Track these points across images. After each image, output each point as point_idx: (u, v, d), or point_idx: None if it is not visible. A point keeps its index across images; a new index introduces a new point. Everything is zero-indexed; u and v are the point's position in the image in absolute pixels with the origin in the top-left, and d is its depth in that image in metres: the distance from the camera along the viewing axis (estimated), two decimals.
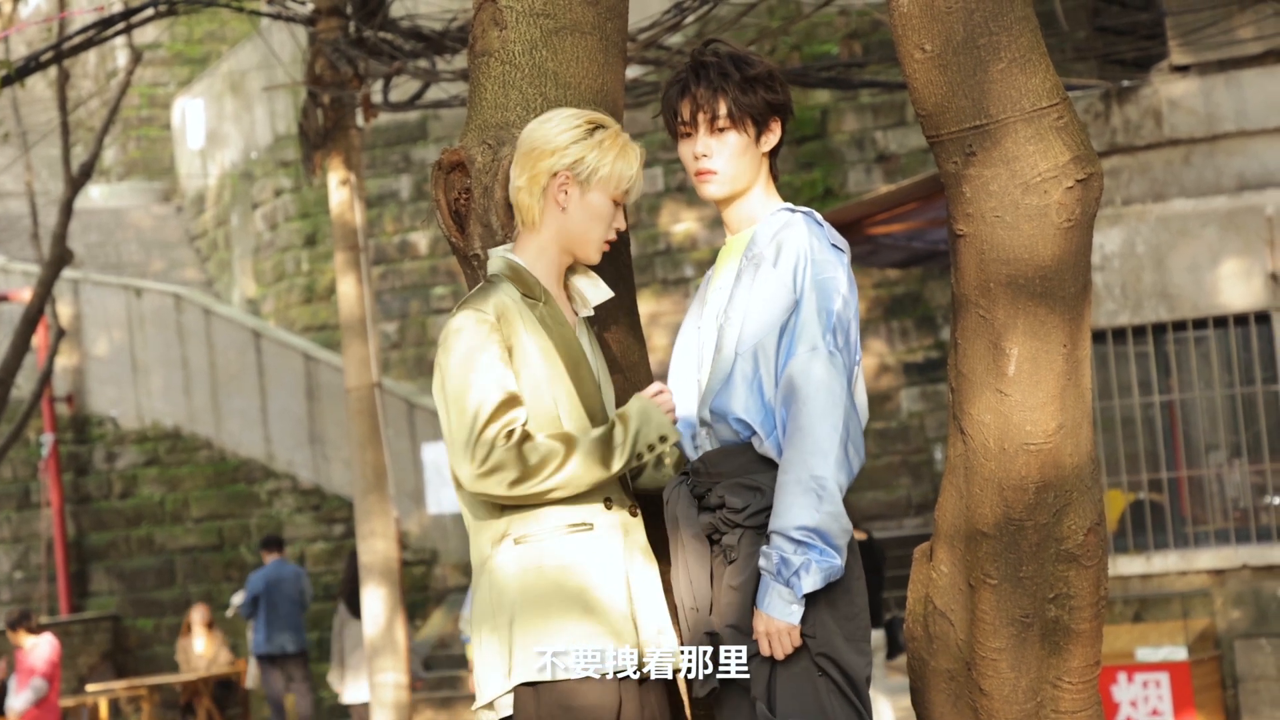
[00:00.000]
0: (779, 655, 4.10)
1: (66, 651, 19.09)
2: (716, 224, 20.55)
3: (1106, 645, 4.49)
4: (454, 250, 4.60)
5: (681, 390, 4.36)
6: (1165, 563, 13.10)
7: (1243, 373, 13.08)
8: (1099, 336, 12.95)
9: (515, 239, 4.33)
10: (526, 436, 4.09)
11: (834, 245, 4.24)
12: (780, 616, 4.08)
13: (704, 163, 4.30)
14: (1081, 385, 4.29)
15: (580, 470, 4.10)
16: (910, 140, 19.75)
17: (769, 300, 4.18)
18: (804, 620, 4.11)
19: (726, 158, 4.29)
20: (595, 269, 4.47)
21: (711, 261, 16.73)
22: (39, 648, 16.37)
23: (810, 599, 4.10)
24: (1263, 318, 12.89)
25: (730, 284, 4.32)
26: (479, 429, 4.08)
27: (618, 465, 4.15)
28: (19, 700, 16.15)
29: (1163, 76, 13.18)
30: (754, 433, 4.19)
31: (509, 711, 4.16)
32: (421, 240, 22.83)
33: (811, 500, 4.04)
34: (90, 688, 19.06)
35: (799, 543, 4.05)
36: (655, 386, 4.27)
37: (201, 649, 18.41)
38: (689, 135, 4.32)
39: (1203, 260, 12.90)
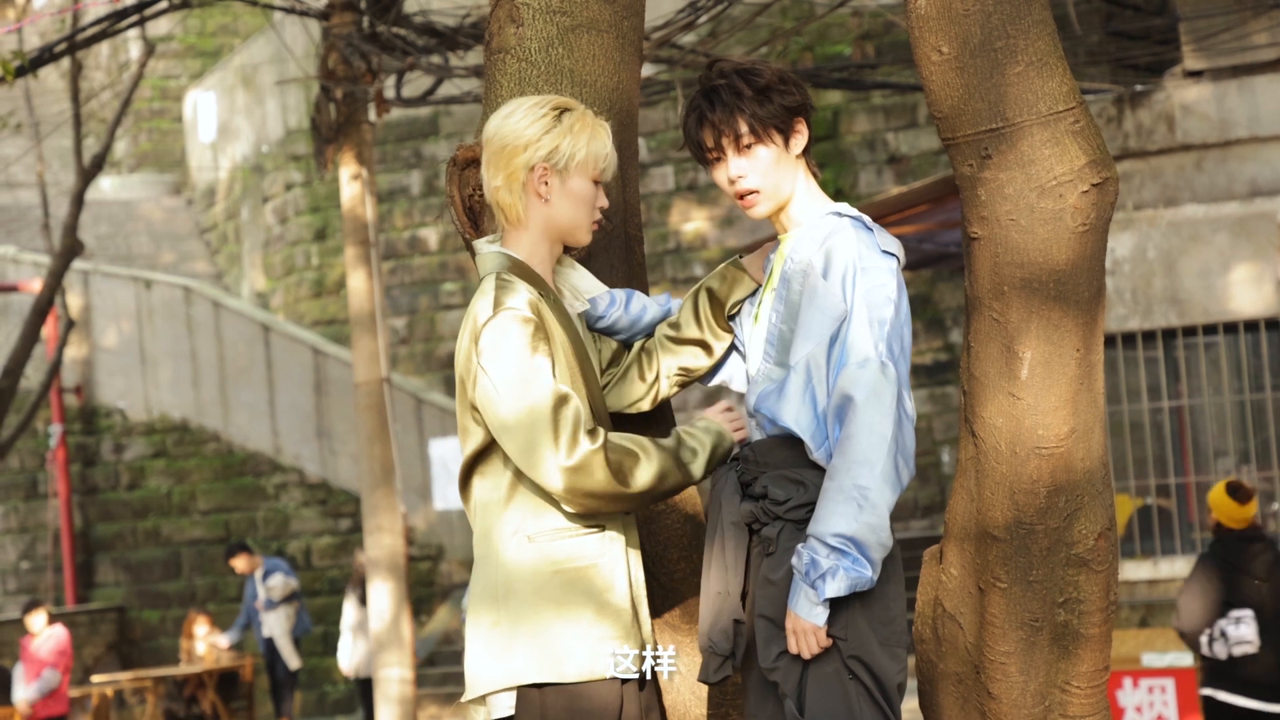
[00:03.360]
0: (805, 654, 4.10)
1: (72, 642, 19.11)
2: (726, 223, 20.55)
3: (1112, 650, 4.48)
4: (467, 246, 4.60)
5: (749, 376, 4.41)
6: (1172, 568, 13.09)
7: (1252, 379, 13.08)
8: (1109, 341, 12.95)
9: (501, 237, 4.30)
10: (606, 439, 4.09)
11: (885, 251, 4.18)
12: (806, 617, 4.08)
13: (741, 184, 4.25)
14: (1094, 390, 4.29)
15: (665, 476, 4.15)
16: (921, 142, 19.74)
17: (821, 311, 4.16)
18: (836, 623, 4.10)
19: (762, 173, 4.24)
20: (604, 267, 4.47)
21: (720, 260, 16.82)
22: (50, 639, 16.41)
23: (843, 602, 4.09)
24: (1273, 324, 12.89)
25: (778, 284, 4.30)
26: (567, 435, 4.05)
27: (698, 477, 4.19)
28: (29, 690, 16.18)
29: (1176, 81, 13.18)
30: (805, 443, 4.20)
31: (505, 713, 4.13)
32: (431, 235, 22.84)
33: (852, 509, 4.03)
34: (95, 679, 19.07)
35: (833, 549, 4.05)
36: (723, 404, 4.31)
37: (203, 651, 18.43)
38: (718, 160, 4.27)
39: (1213, 266, 12.89)
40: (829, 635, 4.10)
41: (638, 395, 4.42)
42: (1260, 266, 12.80)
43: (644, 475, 4.10)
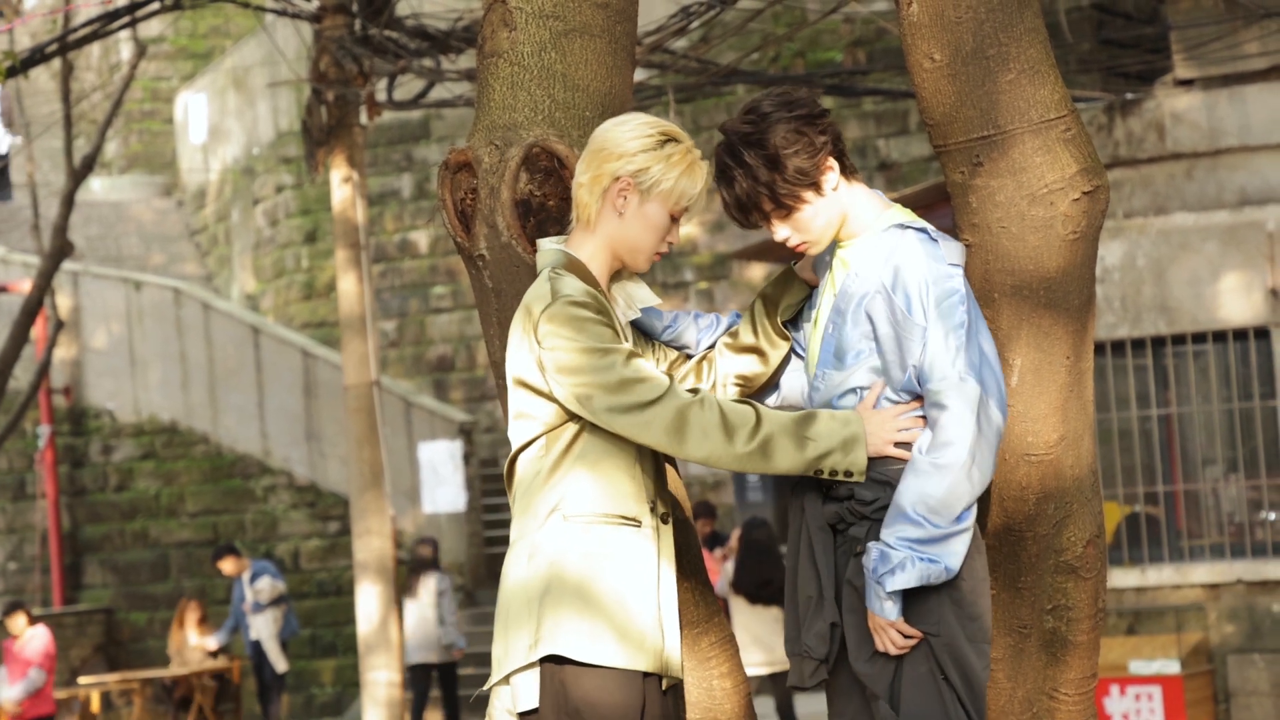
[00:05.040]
0: (891, 650, 4.10)
1: (59, 644, 19.06)
2: (717, 229, 20.54)
3: (1100, 657, 4.49)
4: (459, 250, 4.59)
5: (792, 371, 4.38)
6: (1160, 576, 13.10)
7: (1241, 388, 13.09)
8: (1098, 349, 12.95)
9: (568, 234, 4.30)
10: (713, 397, 4.06)
11: (951, 263, 4.14)
12: (878, 613, 4.08)
13: (791, 242, 4.23)
14: (1084, 397, 4.30)
15: (777, 447, 4.05)
16: (912, 149, 19.76)
17: (905, 335, 4.11)
18: (929, 618, 4.09)
19: (805, 230, 4.21)
20: None
21: (711, 266, 16.75)
22: (34, 639, 16.39)
23: (938, 597, 4.09)
24: (1262, 333, 12.90)
25: (838, 293, 4.24)
26: (660, 393, 4.03)
27: (806, 461, 4.07)
28: (14, 691, 16.15)
29: (1166, 90, 13.19)
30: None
31: (530, 703, 4.12)
32: (422, 239, 22.83)
33: (917, 516, 4.04)
34: (82, 680, 19.05)
35: (896, 548, 4.05)
36: (904, 411, 4.16)
37: (195, 643, 18.41)
38: (762, 224, 4.24)
39: (1203, 274, 12.90)
40: (923, 631, 4.08)
41: None
42: (1249, 275, 12.81)
43: (749, 438, 4.04)
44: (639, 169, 4.17)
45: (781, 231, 4.21)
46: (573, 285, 4.12)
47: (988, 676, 4.18)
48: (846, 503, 4.18)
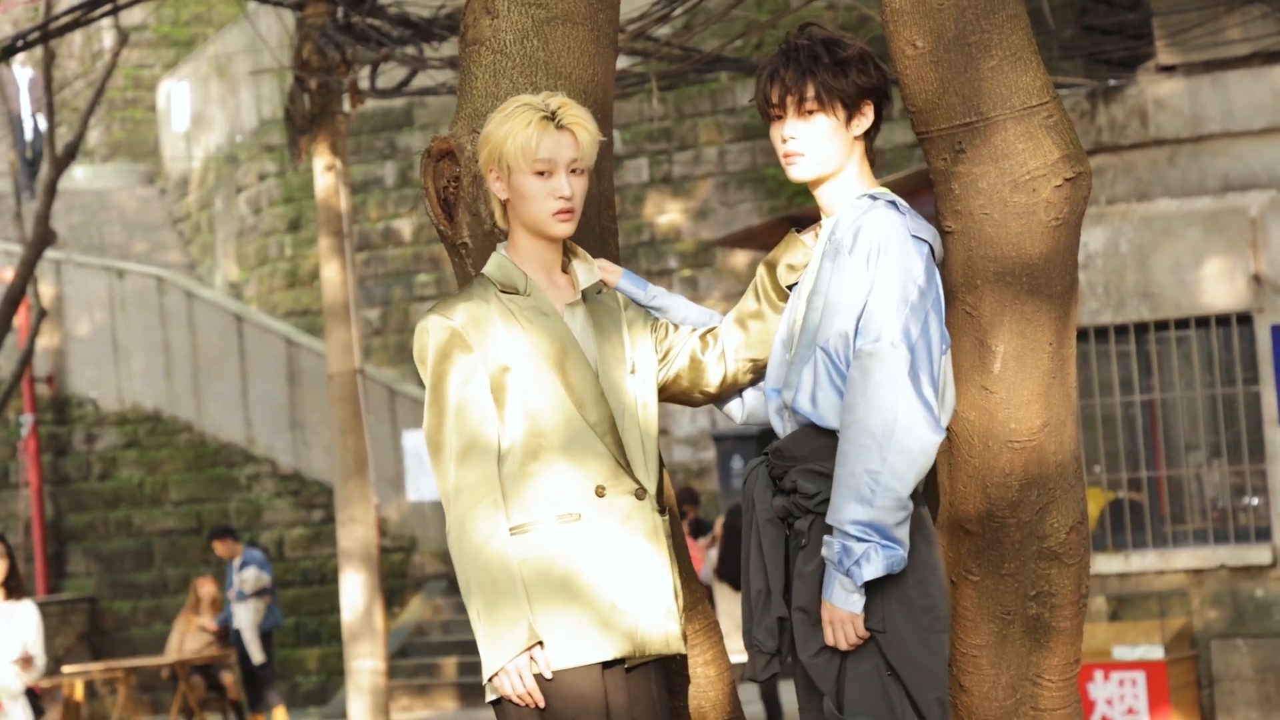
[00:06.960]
0: (843, 645, 4.07)
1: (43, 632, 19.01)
2: (700, 216, 20.54)
3: (1083, 643, 4.50)
4: (442, 238, 4.61)
5: (775, 367, 4.34)
6: (1143, 562, 13.13)
7: (1224, 373, 13.11)
8: (1081, 335, 12.92)
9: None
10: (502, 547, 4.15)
11: (915, 235, 4.14)
12: (842, 605, 4.04)
13: (791, 145, 4.22)
14: (1067, 383, 4.31)
15: (480, 593, 4.15)
16: (895, 136, 19.75)
17: (846, 291, 4.11)
18: (874, 615, 4.05)
19: (814, 140, 4.21)
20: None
21: (694, 254, 16.78)
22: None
23: (881, 593, 4.05)
24: (1244, 319, 12.92)
25: (814, 267, 4.25)
26: (455, 487, 4.18)
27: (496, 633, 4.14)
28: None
29: (1149, 76, 13.20)
30: (832, 426, 4.14)
31: (494, 695, 4.17)
32: (405, 227, 22.81)
33: (865, 494, 3.99)
34: (66, 669, 19.01)
35: (857, 537, 4.01)
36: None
37: (201, 622, 18.38)
38: (779, 118, 4.24)
39: (1186, 260, 12.92)
40: (867, 628, 4.06)
41: (703, 379, 4.40)
42: (1232, 261, 12.84)
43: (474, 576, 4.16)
44: (486, 155, 4.24)
45: (794, 127, 4.22)
46: (459, 304, 4.22)
47: (944, 668, 4.14)
48: (792, 496, 4.18)
